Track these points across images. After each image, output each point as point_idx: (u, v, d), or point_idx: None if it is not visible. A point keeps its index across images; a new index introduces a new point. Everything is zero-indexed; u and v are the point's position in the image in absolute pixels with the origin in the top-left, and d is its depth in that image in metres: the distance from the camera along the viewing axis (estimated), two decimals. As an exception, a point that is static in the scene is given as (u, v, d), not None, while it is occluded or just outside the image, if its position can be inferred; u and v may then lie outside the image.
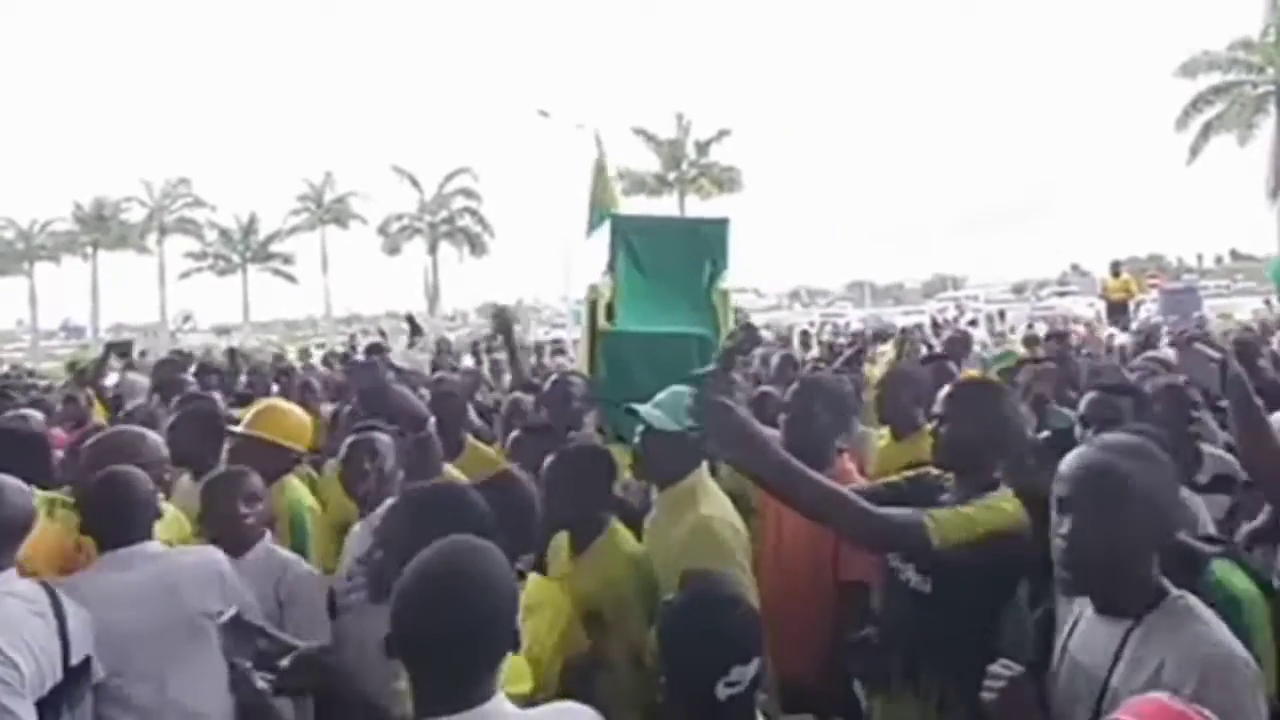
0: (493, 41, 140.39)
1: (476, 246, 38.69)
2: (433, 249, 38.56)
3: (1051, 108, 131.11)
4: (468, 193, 38.85)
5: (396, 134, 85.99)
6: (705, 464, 2.78)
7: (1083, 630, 1.72)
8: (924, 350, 7.70)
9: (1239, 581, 1.88)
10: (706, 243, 4.67)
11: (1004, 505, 2.09)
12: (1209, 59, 26.91)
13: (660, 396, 2.75)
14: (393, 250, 39.06)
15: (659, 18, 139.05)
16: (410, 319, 6.86)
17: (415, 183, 38.62)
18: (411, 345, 7.75)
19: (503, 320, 5.60)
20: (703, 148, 34.28)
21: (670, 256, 4.80)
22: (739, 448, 2.02)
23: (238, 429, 3.58)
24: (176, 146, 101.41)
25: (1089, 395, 3.17)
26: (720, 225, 4.75)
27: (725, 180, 33.75)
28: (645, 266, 4.79)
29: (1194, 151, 26.98)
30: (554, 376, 4.62)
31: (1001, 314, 13.16)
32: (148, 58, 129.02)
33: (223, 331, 40.48)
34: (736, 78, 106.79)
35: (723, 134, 34.31)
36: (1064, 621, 1.79)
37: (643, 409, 2.69)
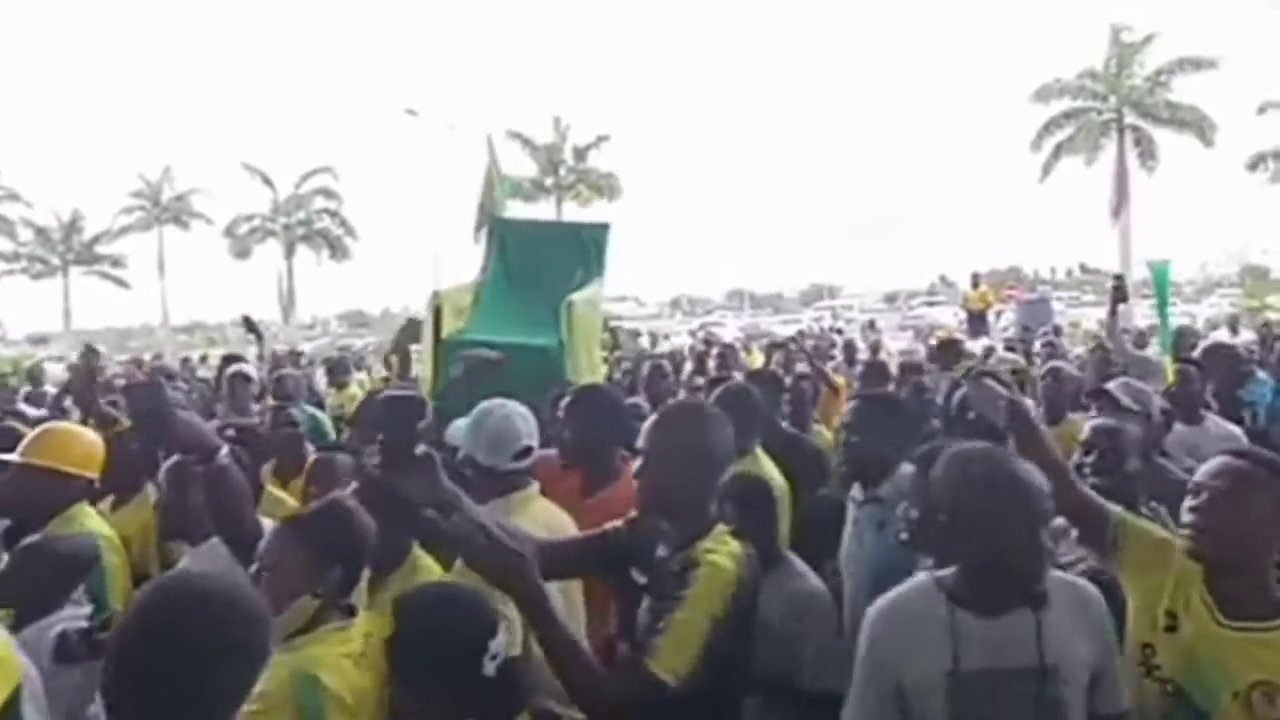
0: (358, 38, 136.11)
1: (337, 250, 36.36)
2: (288, 252, 36.04)
3: (919, 126, 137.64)
4: (327, 193, 36.46)
5: (247, 131, 79.17)
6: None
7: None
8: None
9: None
10: (584, 248, 4.66)
11: (719, 564, 1.88)
12: (1060, 86, 28.74)
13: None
14: (241, 253, 36.19)
15: (535, 20, 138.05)
16: (247, 320, 6.33)
17: (268, 181, 35.97)
18: (261, 355, 7.12)
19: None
20: (581, 153, 33.74)
21: (544, 261, 4.78)
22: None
23: (11, 457, 3.12)
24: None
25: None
26: (601, 230, 4.73)
27: (604, 187, 33.45)
28: (514, 272, 4.77)
29: (1046, 171, 28.73)
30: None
31: (872, 323, 13.51)
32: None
33: (39, 341, 36.42)
34: (615, 83, 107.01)
35: (601, 140, 33.95)
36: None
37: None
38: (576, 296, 4.26)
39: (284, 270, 35.19)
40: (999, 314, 21.88)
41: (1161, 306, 6.30)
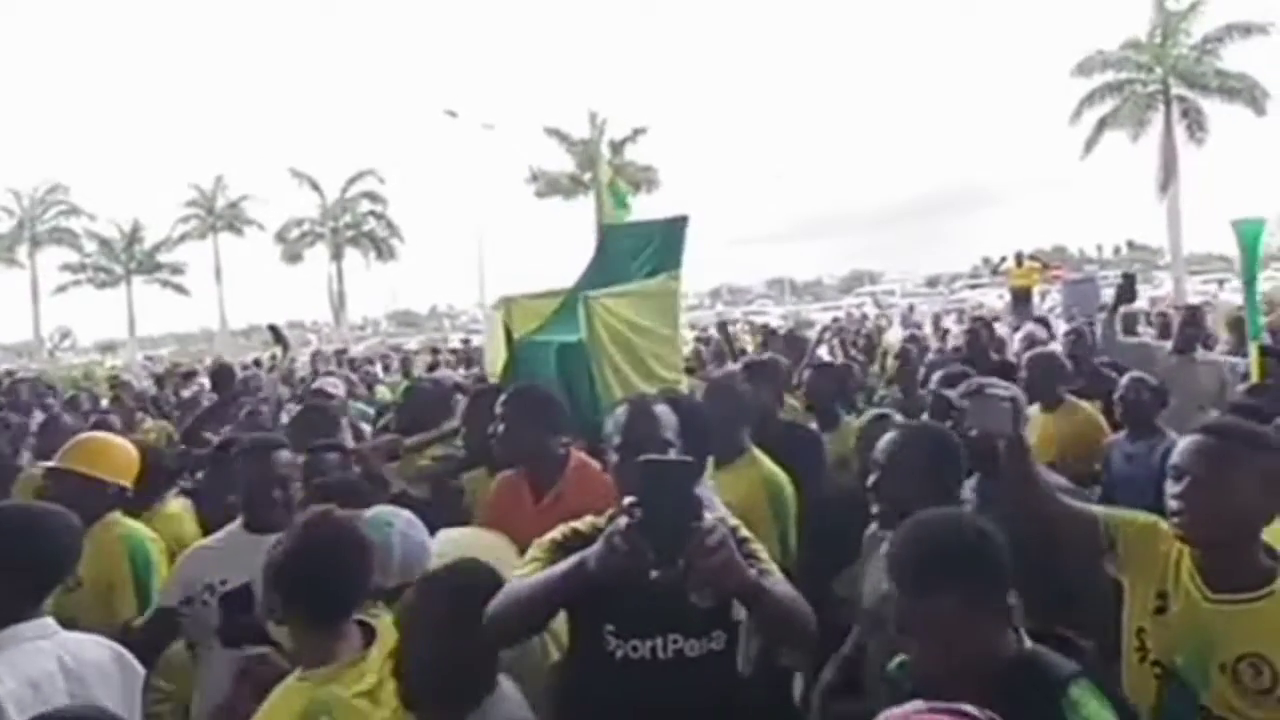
0: (396, 41, 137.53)
1: (384, 251, 37.17)
2: (336, 255, 36.82)
3: (959, 107, 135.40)
4: (373, 196, 37.37)
5: (294, 136, 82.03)
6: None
7: None
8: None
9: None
10: (652, 241, 4.62)
11: None
12: (1103, 58, 27.91)
13: None
14: (293, 257, 37.08)
15: (570, 16, 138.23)
16: (273, 329, 6.33)
17: (316, 186, 36.92)
18: (275, 362, 7.15)
19: (277, 335, 5.66)
20: (618, 147, 33.65)
21: (619, 259, 4.78)
22: None
23: (51, 463, 3.18)
24: (49, 151, 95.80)
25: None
26: (677, 223, 4.67)
27: (642, 179, 33.24)
28: (595, 274, 4.74)
29: (1089, 147, 27.98)
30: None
31: (911, 307, 13.29)
32: (14, 55, 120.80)
33: (106, 348, 37.93)
34: (651, 76, 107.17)
35: (638, 132, 33.98)
36: None
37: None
38: (600, 291, 4.21)
39: (333, 273, 36.27)
40: (1044, 294, 21.40)
41: (1250, 278, 5.32)
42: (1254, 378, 4.22)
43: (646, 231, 4.81)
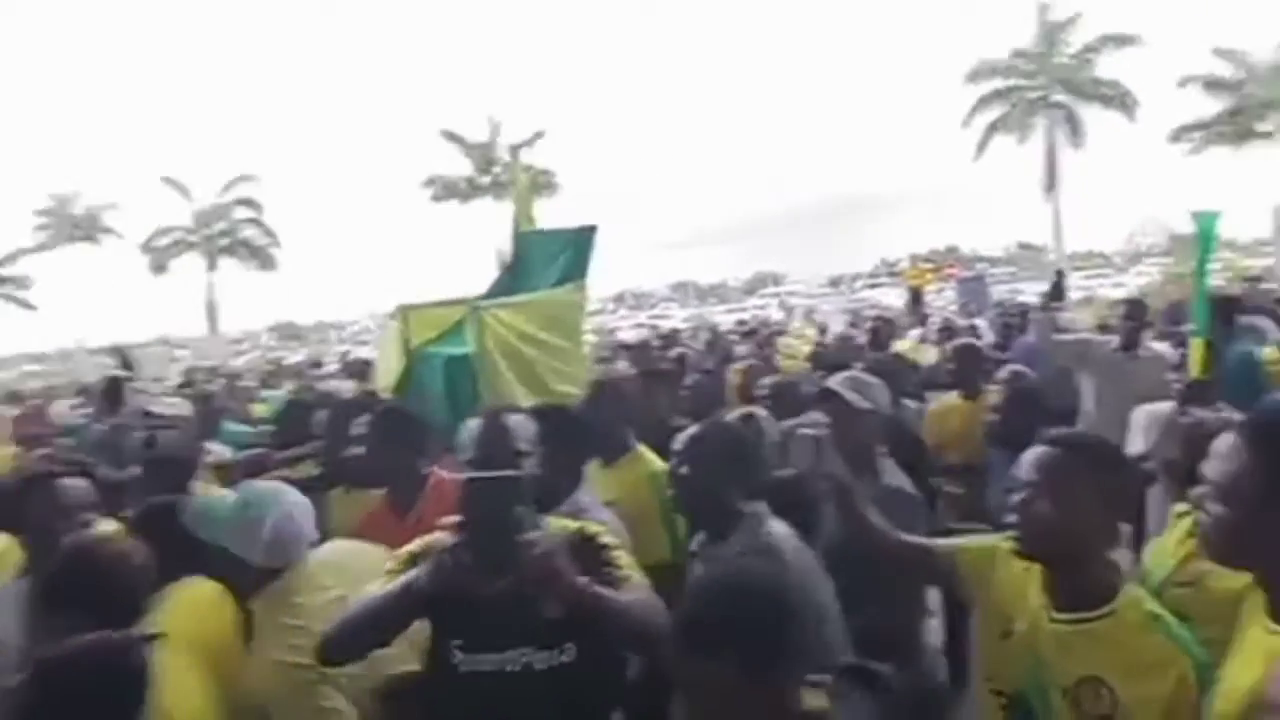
0: (278, 43, 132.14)
1: (263, 260, 34.62)
2: (210, 265, 34.27)
3: (859, 111, 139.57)
4: (250, 202, 34.76)
5: (163, 142, 75.94)
6: None
7: None
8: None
9: None
10: (563, 251, 4.54)
11: None
12: (991, 66, 29.21)
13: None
14: (159, 268, 34.27)
15: (466, 18, 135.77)
16: (117, 351, 5.83)
17: (185, 192, 34.17)
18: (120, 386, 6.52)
19: (122, 359, 5.36)
20: (515, 150, 32.68)
21: (528, 270, 4.69)
22: None
23: None
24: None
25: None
26: (585, 233, 4.62)
27: (541, 183, 32.96)
28: (503, 286, 4.65)
29: (980, 150, 29.21)
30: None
31: (811, 311, 13.58)
32: None
33: None
34: (550, 79, 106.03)
35: (537, 136, 33.26)
36: None
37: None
38: (493, 302, 4.13)
39: (207, 284, 33.88)
40: (940, 291, 22.19)
41: (1201, 270, 5.05)
42: (1194, 372, 4.23)
43: (558, 240, 4.73)
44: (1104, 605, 1.70)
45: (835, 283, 50.30)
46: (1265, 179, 27.07)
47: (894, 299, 26.10)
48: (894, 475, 2.97)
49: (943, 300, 20.73)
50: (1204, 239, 5.05)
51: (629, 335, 17.72)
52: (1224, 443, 1.44)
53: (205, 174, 48.39)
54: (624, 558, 1.97)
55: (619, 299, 58.54)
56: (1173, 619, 1.73)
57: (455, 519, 1.62)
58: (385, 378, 4.53)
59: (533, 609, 1.74)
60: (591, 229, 4.62)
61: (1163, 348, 5.50)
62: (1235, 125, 26.78)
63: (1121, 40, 27.84)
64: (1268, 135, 26.75)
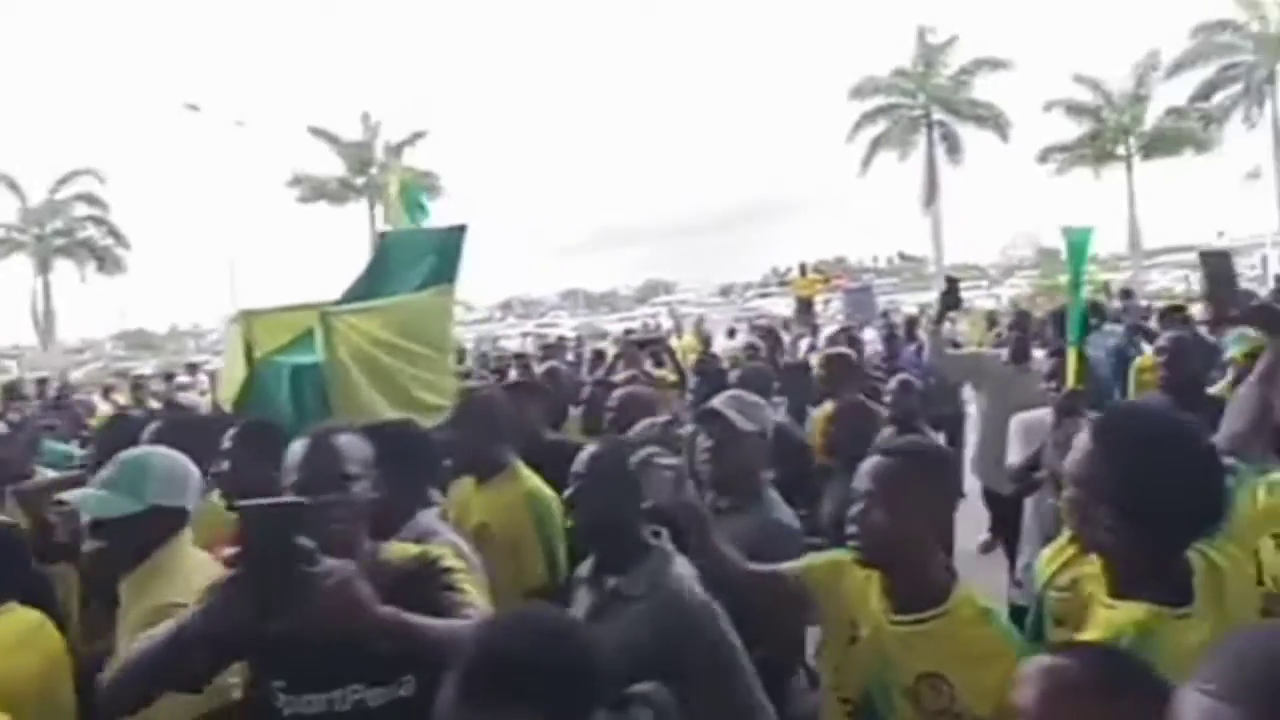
0: (124, 27, 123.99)
1: (106, 262, 31.43)
2: (43, 268, 30.95)
3: (749, 123, 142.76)
4: (90, 199, 31.55)
5: None
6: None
7: None
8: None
9: None
10: (430, 252, 4.17)
11: None
12: (874, 83, 30.23)
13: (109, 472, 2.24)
14: None
15: (336, 9, 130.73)
16: None
17: (14, 187, 30.85)
18: None
19: None
20: (394, 151, 31.28)
21: (392, 272, 4.31)
22: None
23: None
24: None
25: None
26: (454, 233, 4.26)
27: (424, 186, 31.52)
28: (363, 288, 4.27)
29: (865, 165, 30.17)
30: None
31: (701, 319, 13.54)
32: None
33: None
34: (432, 79, 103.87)
35: (417, 136, 31.75)
36: None
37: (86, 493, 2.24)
38: (346, 307, 3.82)
39: (38, 288, 30.59)
40: (827, 301, 22.70)
41: (1075, 284, 5.01)
42: (1070, 382, 4.30)
43: (424, 240, 4.36)
44: (939, 605, 1.78)
45: (725, 292, 51.04)
46: (1121, 198, 29.03)
47: (783, 308, 26.58)
48: (778, 507, 2.80)
49: (830, 310, 21.21)
50: (1077, 253, 5.18)
51: (514, 345, 17.33)
52: (1080, 437, 1.65)
53: (38, 167, 44.21)
54: (467, 582, 1.85)
55: (506, 306, 57.78)
56: (1001, 614, 1.86)
57: (232, 551, 1.47)
58: (228, 388, 4.14)
59: (362, 642, 1.60)
60: (461, 228, 4.29)
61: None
62: (1094, 149, 28.51)
63: (995, 64, 29.29)
64: (1123, 159, 28.59)
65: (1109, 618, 1.52)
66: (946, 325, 5.89)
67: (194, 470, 2.27)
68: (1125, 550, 1.52)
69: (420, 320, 3.98)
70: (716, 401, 2.97)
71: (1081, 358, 4.53)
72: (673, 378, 6.47)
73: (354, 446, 1.93)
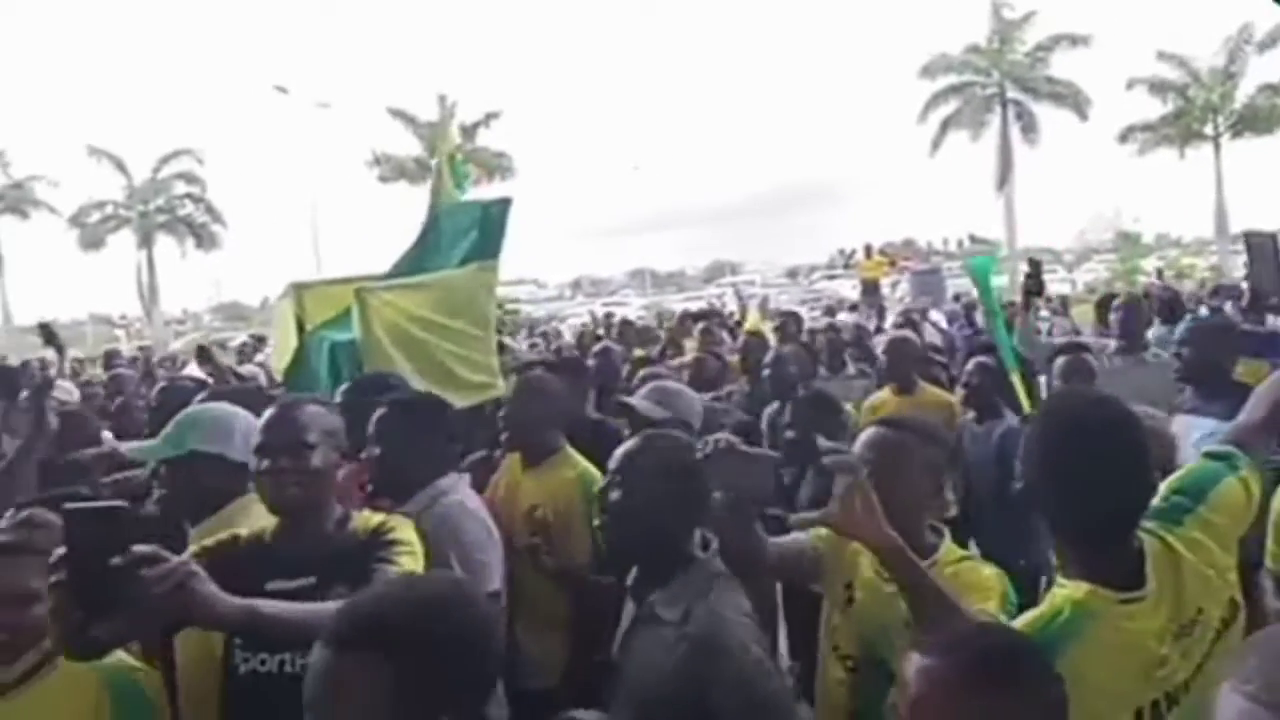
0: (216, 10, 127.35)
1: (203, 239, 32.81)
2: (144, 242, 32.17)
3: (816, 102, 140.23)
4: (189, 178, 32.93)
5: (95, 112, 71.45)
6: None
7: None
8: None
9: None
10: (475, 225, 4.19)
11: None
12: (945, 62, 29.51)
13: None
14: (91, 244, 32.20)
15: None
16: (43, 328, 5.29)
17: (121, 166, 32.10)
18: (61, 371, 5.99)
19: (49, 335, 5.09)
20: (469, 131, 31.24)
21: (439, 244, 4.36)
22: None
23: None
24: None
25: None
26: (500, 205, 4.25)
27: (496, 166, 31.66)
28: (412, 261, 4.35)
29: (935, 145, 29.54)
30: None
31: (766, 299, 13.58)
32: None
33: None
34: (506, 60, 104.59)
35: (491, 117, 32.21)
36: None
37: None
38: (384, 283, 3.91)
39: (142, 261, 32.03)
40: (895, 284, 22.43)
41: (991, 310, 5.03)
42: (1026, 407, 4.27)
43: (468, 215, 4.33)
44: (927, 559, 1.88)
45: (792, 273, 50.59)
46: (1208, 180, 27.97)
47: (850, 291, 26.32)
48: None
49: (898, 293, 20.97)
50: (983, 283, 5.17)
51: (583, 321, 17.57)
52: (1028, 427, 1.72)
53: (141, 146, 45.86)
54: (406, 556, 1.88)
55: (576, 285, 58.26)
56: (985, 563, 2.00)
57: (56, 554, 1.40)
58: (280, 360, 4.28)
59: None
60: (506, 201, 4.24)
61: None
62: (1179, 128, 27.47)
63: (1074, 40, 28.32)
64: (1210, 138, 27.50)
65: (1053, 595, 1.57)
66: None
67: (245, 425, 2.29)
68: (1069, 532, 1.58)
69: (460, 297, 3.95)
70: (637, 395, 2.99)
71: (1025, 380, 4.30)
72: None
73: (319, 417, 2.00)
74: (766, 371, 4.67)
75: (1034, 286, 4.90)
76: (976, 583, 1.87)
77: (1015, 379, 4.37)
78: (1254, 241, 2.70)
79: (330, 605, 1.53)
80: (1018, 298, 6.04)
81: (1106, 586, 1.51)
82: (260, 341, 12.00)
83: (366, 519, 2.00)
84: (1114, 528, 1.56)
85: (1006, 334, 4.67)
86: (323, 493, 1.96)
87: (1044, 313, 8.90)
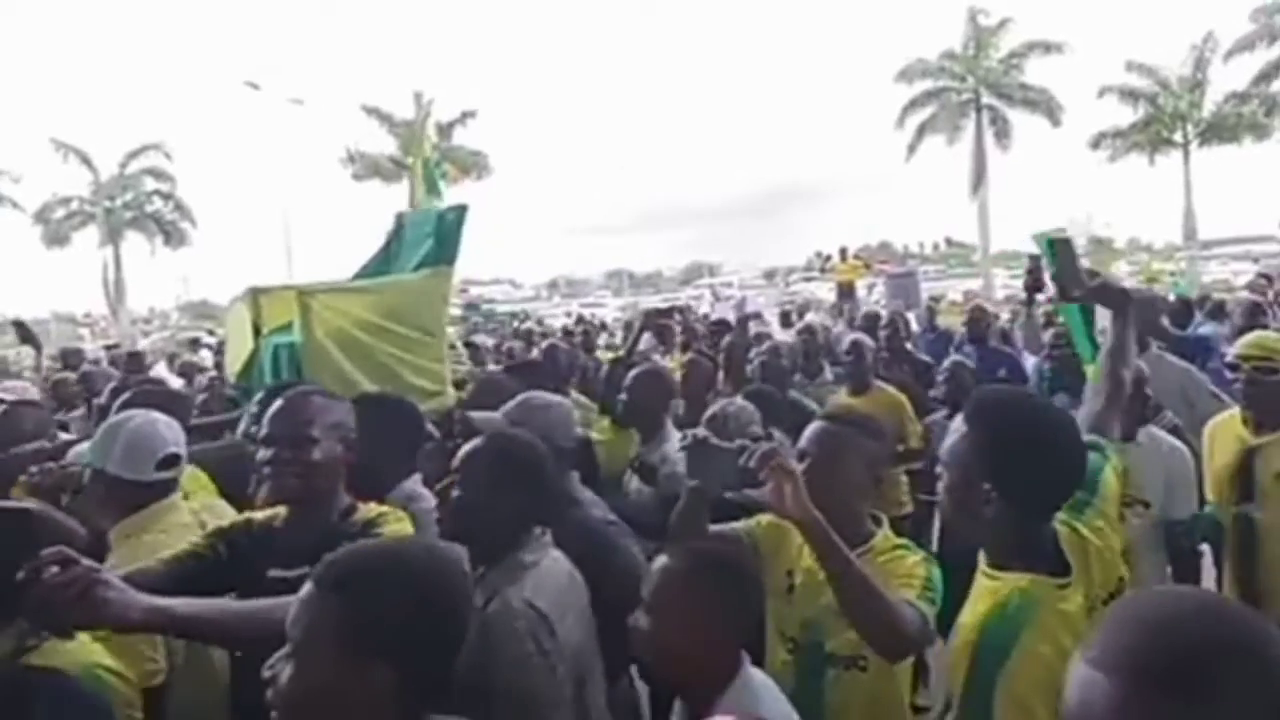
0: (186, 4, 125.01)
1: (172, 236, 32.39)
2: (108, 239, 31.54)
3: (794, 106, 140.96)
4: (158, 174, 32.47)
5: (60, 107, 69.87)
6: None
7: None
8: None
9: None
10: (433, 231, 4.23)
11: None
12: (921, 67, 29.84)
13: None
14: (56, 241, 31.68)
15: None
16: (19, 325, 5.21)
17: (87, 161, 31.49)
18: (38, 366, 5.93)
19: (25, 333, 4.99)
20: (446, 130, 31.07)
21: (399, 250, 4.42)
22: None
23: None
24: None
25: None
26: (455, 212, 4.30)
27: (472, 165, 31.31)
28: (381, 265, 4.41)
29: (911, 149, 29.84)
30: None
31: (743, 300, 13.66)
32: None
33: None
34: (483, 59, 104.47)
35: (467, 116, 32.05)
36: None
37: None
38: (326, 285, 3.95)
39: (109, 258, 31.44)
40: (871, 286, 22.62)
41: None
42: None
43: (428, 221, 4.38)
44: (863, 545, 2.03)
45: (769, 275, 50.83)
46: (1177, 187, 28.41)
47: (826, 293, 26.53)
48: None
49: (874, 296, 21.14)
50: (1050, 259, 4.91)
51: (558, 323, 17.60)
52: (953, 425, 1.78)
53: (108, 142, 44.78)
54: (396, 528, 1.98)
55: (552, 285, 58.19)
56: (916, 550, 2.09)
57: None
58: (234, 362, 4.30)
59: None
60: (462, 208, 4.28)
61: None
62: (1149, 135, 27.89)
63: (1048, 47, 28.70)
64: (1179, 145, 27.95)
65: (993, 587, 1.63)
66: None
67: (128, 437, 2.32)
68: (1003, 524, 1.63)
69: (410, 301, 3.97)
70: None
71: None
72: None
73: (325, 409, 2.03)
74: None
75: (1034, 284, 4.90)
76: (900, 570, 1.99)
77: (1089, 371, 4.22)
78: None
79: (264, 603, 1.60)
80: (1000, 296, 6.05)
81: (1044, 574, 1.61)
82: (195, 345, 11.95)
83: (368, 510, 2.03)
84: (1051, 514, 1.67)
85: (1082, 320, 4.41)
86: (324, 484, 1.98)
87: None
